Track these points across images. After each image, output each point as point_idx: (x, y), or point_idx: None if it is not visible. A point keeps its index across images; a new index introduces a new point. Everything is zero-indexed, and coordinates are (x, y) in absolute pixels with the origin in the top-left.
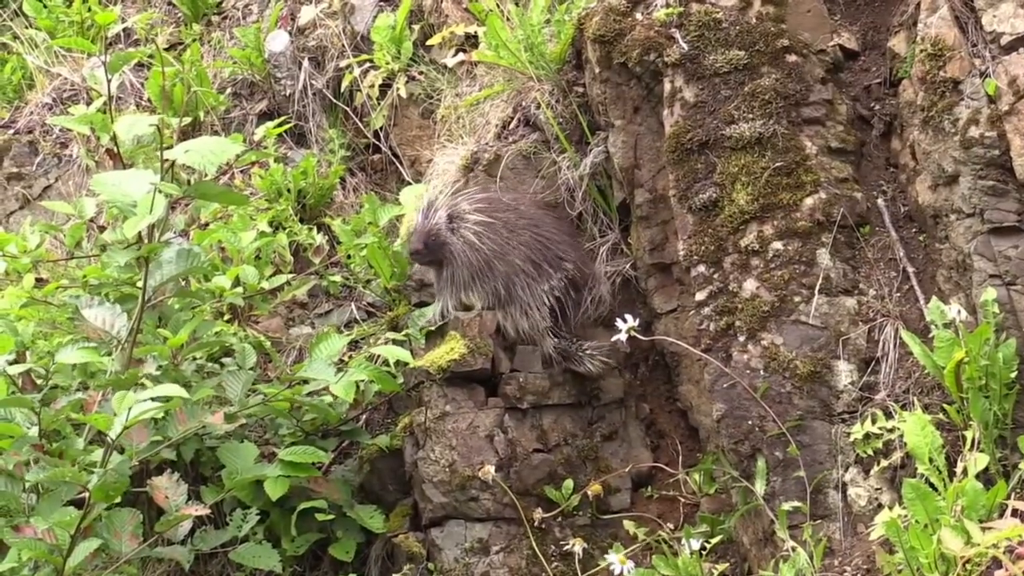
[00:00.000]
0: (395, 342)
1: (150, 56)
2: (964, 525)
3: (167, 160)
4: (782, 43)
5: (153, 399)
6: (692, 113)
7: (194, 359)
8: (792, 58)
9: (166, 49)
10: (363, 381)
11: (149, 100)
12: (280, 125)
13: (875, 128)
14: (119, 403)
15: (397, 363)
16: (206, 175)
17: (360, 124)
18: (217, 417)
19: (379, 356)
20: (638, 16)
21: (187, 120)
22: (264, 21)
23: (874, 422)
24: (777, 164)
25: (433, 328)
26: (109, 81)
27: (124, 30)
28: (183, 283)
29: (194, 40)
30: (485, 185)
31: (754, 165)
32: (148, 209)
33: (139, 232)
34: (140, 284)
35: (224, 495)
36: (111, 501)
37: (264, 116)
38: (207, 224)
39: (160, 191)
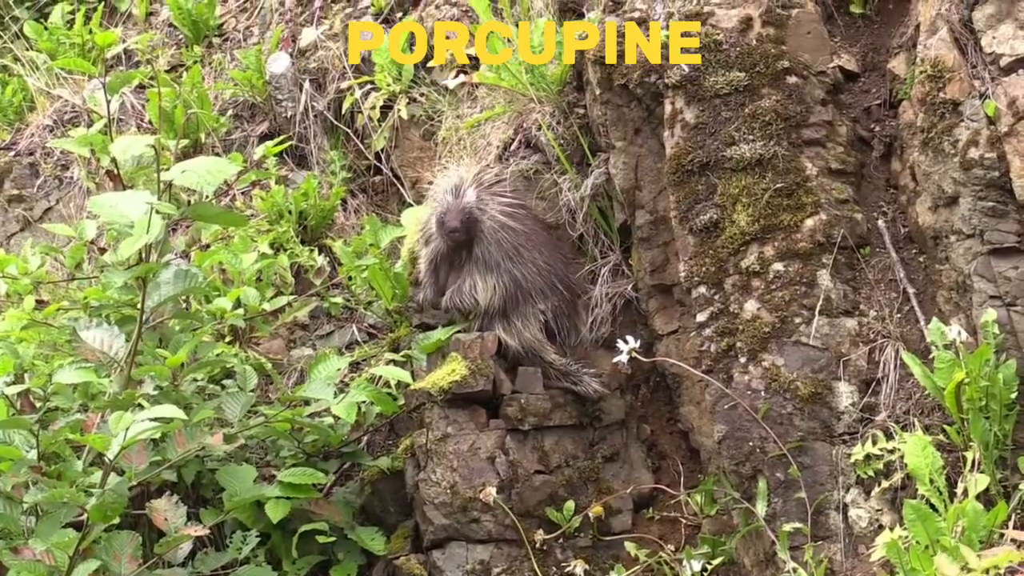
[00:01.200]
0: (396, 363)
1: (151, 78)
2: (960, 551)
3: (164, 181)
4: (782, 64)
5: (152, 420)
6: (693, 134)
7: (194, 380)
8: (792, 79)
9: (167, 71)
10: (364, 403)
11: (150, 122)
12: (280, 144)
13: (875, 149)
14: (116, 424)
15: (398, 384)
16: (205, 196)
17: (361, 146)
18: (217, 438)
19: (380, 377)
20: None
21: (188, 142)
22: (265, 43)
23: (875, 443)
24: (777, 185)
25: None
26: (109, 102)
27: (125, 52)
28: (183, 304)
29: (195, 62)
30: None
31: (755, 186)
32: (144, 229)
33: (139, 253)
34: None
35: (224, 517)
36: (109, 522)
37: (265, 138)
38: (208, 246)
39: (156, 211)
